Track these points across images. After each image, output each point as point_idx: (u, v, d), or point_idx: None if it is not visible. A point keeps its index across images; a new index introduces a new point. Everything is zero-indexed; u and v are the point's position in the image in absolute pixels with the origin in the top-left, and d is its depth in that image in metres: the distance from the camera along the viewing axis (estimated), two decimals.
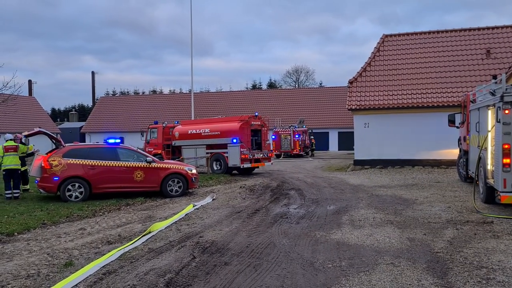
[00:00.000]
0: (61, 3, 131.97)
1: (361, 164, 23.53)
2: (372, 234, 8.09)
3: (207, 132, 22.08)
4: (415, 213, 10.18)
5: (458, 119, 17.04)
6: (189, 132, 22.85)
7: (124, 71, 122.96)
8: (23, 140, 15.10)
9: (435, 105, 21.97)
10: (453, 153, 19.84)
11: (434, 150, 22.00)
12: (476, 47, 24.35)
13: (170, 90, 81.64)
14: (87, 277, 5.88)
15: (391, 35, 27.04)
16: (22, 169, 14.50)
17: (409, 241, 7.54)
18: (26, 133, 15.17)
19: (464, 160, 15.27)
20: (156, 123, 25.84)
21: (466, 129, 14.95)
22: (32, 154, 14.84)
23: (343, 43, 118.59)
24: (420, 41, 25.97)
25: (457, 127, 17.06)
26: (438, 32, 26.18)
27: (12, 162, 13.73)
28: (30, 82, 59.69)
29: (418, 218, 9.56)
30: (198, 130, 22.50)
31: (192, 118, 33.73)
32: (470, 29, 25.55)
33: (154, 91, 80.00)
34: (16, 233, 8.82)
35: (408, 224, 8.97)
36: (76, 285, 5.59)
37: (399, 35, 26.94)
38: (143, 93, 77.62)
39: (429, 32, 26.38)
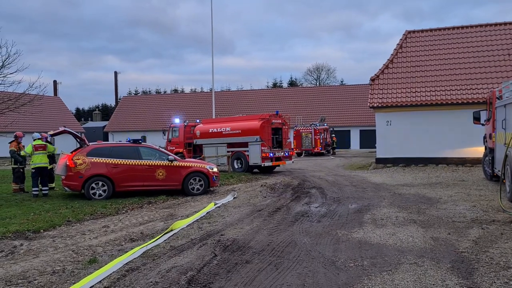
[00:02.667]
0: (84, 3, 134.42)
1: (383, 162, 23.24)
2: (395, 233, 7.98)
3: (228, 130, 22.15)
4: (439, 212, 10.00)
5: (483, 116, 16.65)
6: (210, 131, 22.97)
7: (145, 71, 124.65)
8: (48, 139, 15.44)
9: (460, 102, 21.51)
10: (478, 151, 19.41)
11: (459, 148, 21.56)
12: (502, 42, 23.71)
13: (191, 89, 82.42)
14: (111, 273, 5.97)
15: (414, 31, 26.59)
16: (49, 167, 14.84)
17: (433, 240, 7.41)
18: (51, 132, 15.51)
19: (490, 158, 14.93)
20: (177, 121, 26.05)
21: (492, 127, 14.60)
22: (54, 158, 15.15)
23: (365, 39, 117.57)
24: (444, 37, 25.45)
25: (482, 125, 16.68)
26: (462, 27, 25.61)
27: (41, 160, 14.11)
28: (55, 82, 61.11)
29: (442, 217, 9.39)
30: (219, 129, 22.60)
31: (213, 117, 33.89)
32: (496, 24, 24.90)
33: (175, 90, 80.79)
34: (42, 230, 9.02)
35: (431, 223, 8.82)
36: (100, 281, 5.68)
37: (422, 31, 26.47)
38: (165, 92, 78.48)
39: (453, 28, 25.82)
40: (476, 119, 16.95)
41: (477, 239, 7.44)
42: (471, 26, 25.44)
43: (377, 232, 8.16)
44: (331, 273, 5.84)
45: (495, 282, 5.33)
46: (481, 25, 25.24)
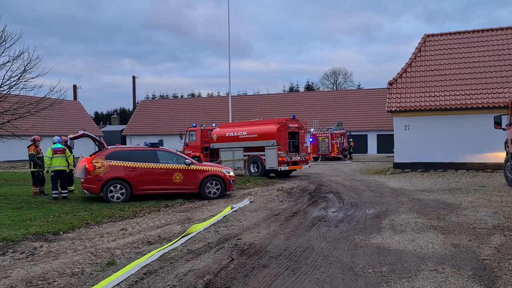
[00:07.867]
0: (102, 7, 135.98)
1: (401, 167, 22.98)
2: (414, 239, 7.86)
3: (245, 134, 22.18)
4: (459, 218, 9.82)
5: (504, 120, 16.36)
6: (227, 135, 23.03)
7: (162, 74, 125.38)
8: (68, 143, 15.68)
9: (480, 106, 21.18)
10: (500, 156, 19.04)
11: (479, 153, 21.20)
12: None
13: (208, 93, 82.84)
14: (129, 276, 6.01)
15: (432, 35, 26.29)
16: (68, 170, 15.05)
17: (453, 247, 7.28)
18: (71, 135, 15.76)
19: None
20: (194, 126, 26.20)
21: None
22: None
23: (385, 42, 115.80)
24: (463, 41, 25.09)
25: (504, 129, 16.39)
26: (482, 31, 25.21)
27: (60, 163, 14.37)
28: (75, 87, 62.24)
29: (462, 223, 9.22)
30: (235, 133, 22.65)
31: (230, 121, 33.98)
32: None
33: (192, 95, 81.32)
34: (61, 232, 9.14)
35: (452, 229, 8.67)
36: (118, 284, 5.72)
37: (441, 34, 26.15)
38: (182, 96, 79.01)
39: (473, 31, 25.46)
40: (498, 123, 16.65)
41: (499, 246, 7.28)
42: (492, 29, 25.04)
43: (396, 238, 8.05)
44: (349, 279, 5.78)
45: None
46: (502, 28, 24.81)
